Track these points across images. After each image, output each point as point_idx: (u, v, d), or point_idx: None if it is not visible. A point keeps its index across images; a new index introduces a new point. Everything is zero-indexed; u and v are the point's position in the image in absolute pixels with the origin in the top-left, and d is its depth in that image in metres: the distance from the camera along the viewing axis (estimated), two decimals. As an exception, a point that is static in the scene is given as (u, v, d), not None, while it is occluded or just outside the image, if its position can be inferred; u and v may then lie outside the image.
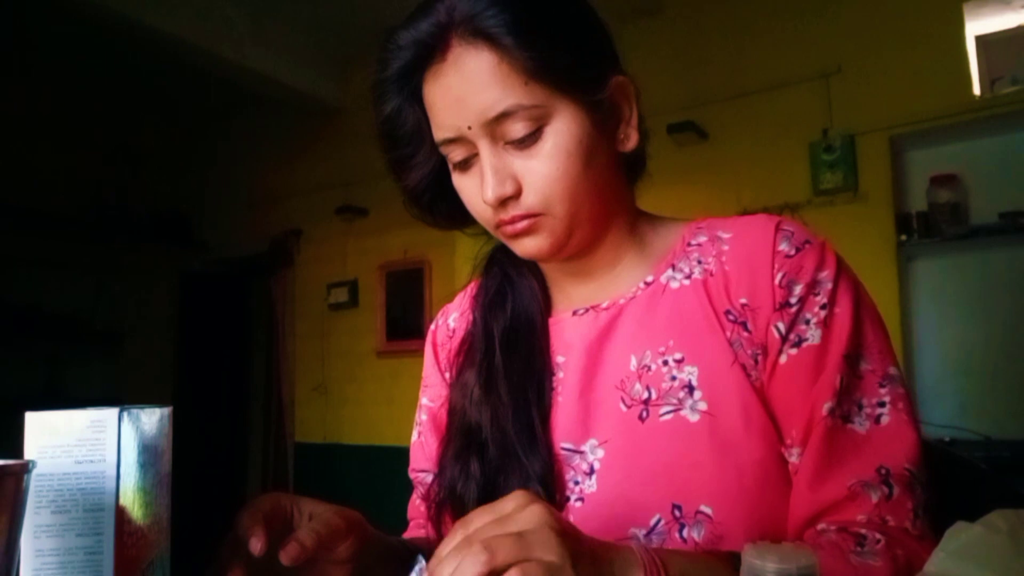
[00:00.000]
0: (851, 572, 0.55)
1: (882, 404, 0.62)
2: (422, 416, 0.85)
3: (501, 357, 0.74)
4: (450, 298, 0.91)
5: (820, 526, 0.61)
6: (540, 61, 0.62)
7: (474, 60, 0.63)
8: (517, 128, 0.63)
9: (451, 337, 0.84)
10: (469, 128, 0.64)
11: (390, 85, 0.69)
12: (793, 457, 0.63)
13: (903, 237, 2.65)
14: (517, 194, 0.65)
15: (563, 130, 0.64)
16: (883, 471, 0.60)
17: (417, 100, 0.69)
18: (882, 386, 0.63)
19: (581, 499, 0.67)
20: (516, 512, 0.48)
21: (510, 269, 0.80)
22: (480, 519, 0.48)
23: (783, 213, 2.80)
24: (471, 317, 0.80)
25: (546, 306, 0.78)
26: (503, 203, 0.66)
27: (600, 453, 0.68)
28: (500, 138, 0.64)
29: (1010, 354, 2.57)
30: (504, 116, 0.63)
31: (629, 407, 0.67)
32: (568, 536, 0.47)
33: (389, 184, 0.79)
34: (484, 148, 0.65)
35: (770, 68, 2.95)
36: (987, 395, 2.59)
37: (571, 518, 0.67)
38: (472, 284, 0.85)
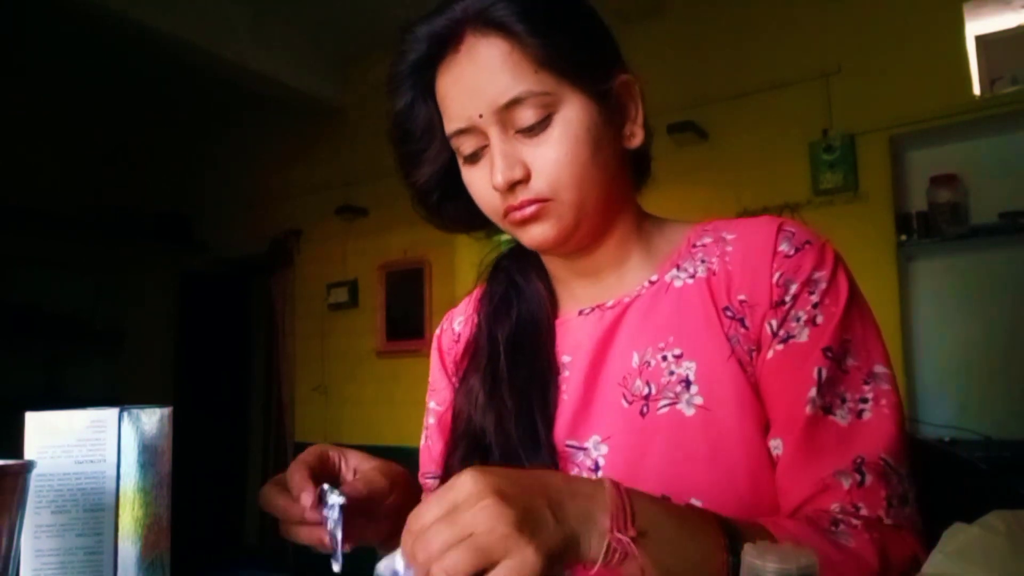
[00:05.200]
0: (826, 545, 0.56)
1: (864, 400, 0.62)
2: (429, 420, 0.86)
3: (506, 363, 0.74)
4: (450, 298, 0.92)
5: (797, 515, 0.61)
6: (550, 49, 0.65)
7: (486, 49, 0.65)
8: (527, 115, 0.65)
9: (456, 342, 0.85)
10: (480, 116, 0.66)
11: (404, 79, 0.71)
12: (773, 450, 0.64)
13: (903, 237, 2.65)
14: (526, 179, 0.67)
15: (572, 118, 0.66)
16: (858, 461, 0.60)
17: (430, 96, 0.71)
18: (866, 383, 0.63)
19: None
20: (466, 508, 0.45)
21: (516, 276, 0.81)
22: (429, 512, 0.46)
23: (783, 213, 2.80)
24: (476, 322, 0.81)
25: (553, 309, 0.79)
26: (512, 188, 0.67)
27: (604, 449, 0.69)
28: (510, 126, 0.66)
29: (1010, 354, 2.57)
30: (515, 103, 0.65)
31: (630, 403, 0.68)
32: (527, 518, 0.45)
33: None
34: (494, 136, 0.66)
35: (770, 68, 2.95)
36: (987, 395, 2.59)
37: None
38: (477, 289, 0.85)
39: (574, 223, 0.69)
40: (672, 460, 0.64)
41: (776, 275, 0.66)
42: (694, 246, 0.73)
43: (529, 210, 0.67)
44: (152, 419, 0.60)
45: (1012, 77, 2.51)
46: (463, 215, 0.77)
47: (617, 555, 0.48)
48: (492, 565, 0.44)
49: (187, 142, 4.86)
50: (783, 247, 0.67)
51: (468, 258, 3.57)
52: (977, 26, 2.61)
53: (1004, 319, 2.60)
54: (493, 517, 0.44)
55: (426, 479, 0.83)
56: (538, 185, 0.66)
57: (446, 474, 0.75)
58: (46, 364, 4.23)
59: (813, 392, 0.62)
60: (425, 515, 0.47)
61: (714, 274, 0.70)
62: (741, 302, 0.67)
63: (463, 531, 0.44)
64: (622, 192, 0.74)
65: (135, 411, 0.59)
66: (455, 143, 0.70)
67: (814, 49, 2.87)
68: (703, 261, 0.71)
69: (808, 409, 0.61)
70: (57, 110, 4.26)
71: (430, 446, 0.84)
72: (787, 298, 0.65)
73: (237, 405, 4.91)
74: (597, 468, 0.68)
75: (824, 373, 0.62)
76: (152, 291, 4.70)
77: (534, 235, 0.69)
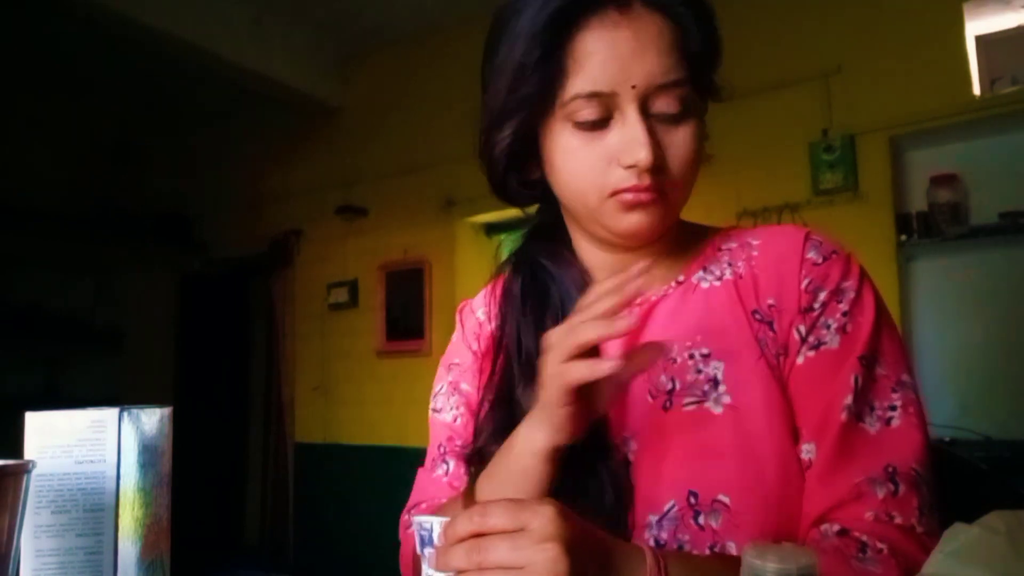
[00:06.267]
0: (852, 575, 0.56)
1: (893, 408, 0.64)
2: (452, 399, 0.83)
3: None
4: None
5: (824, 526, 0.62)
6: (700, 52, 0.67)
7: (658, 25, 0.65)
8: (672, 103, 0.65)
9: (480, 327, 0.85)
10: (633, 87, 0.64)
11: (540, 28, 0.65)
12: (804, 454, 0.64)
13: (903, 237, 2.65)
14: (660, 165, 0.66)
15: (697, 121, 0.68)
16: (890, 469, 0.61)
17: (551, 55, 0.65)
18: (895, 391, 0.64)
19: None
20: (531, 539, 0.48)
21: (550, 266, 0.80)
22: (498, 517, 0.49)
23: (783, 213, 2.81)
24: (500, 313, 0.80)
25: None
26: (647, 169, 0.65)
27: (632, 446, 0.69)
28: (651, 108, 0.65)
29: (1010, 354, 2.57)
30: (671, 86, 0.64)
31: (655, 398, 0.69)
32: None
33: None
34: (633, 112, 0.64)
35: (770, 68, 2.95)
36: (987, 395, 2.59)
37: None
38: (498, 281, 0.83)
39: (668, 221, 0.71)
40: (699, 456, 0.65)
41: (805, 281, 0.67)
42: (719, 250, 0.75)
43: (646, 196, 0.66)
44: (152, 419, 0.60)
45: (1012, 77, 2.51)
46: (521, 189, 0.76)
47: None
48: None
49: (187, 142, 4.86)
50: (811, 255, 0.69)
51: (468, 258, 3.57)
52: (977, 26, 2.61)
53: (1004, 319, 2.60)
54: (548, 564, 0.47)
55: (455, 445, 0.81)
56: (663, 176, 0.66)
57: (477, 434, 0.74)
58: (46, 364, 4.24)
59: (849, 399, 0.63)
60: (493, 516, 0.49)
61: (740, 277, 0.71)
62: (770, 306, 0.69)
63: (517, 561, 0.47)
64: None
65: (135, 411, 0.59)
66: (576, 105, 0.65)
67: (814, 49, 2.87)
68: (729, 264, 0.73)
69: (844, 416, 0.63)
70: (57, 110, 4.26)
71: (464, 424, 0.81)
72: (816, 305, 0.67)
73: (237, 405, 4.91)
74: (627, 463, 0.69)
75: (860, 380, 0.64)
76: (152, 291, 4.70)
77: (632, 221, 0.68)
